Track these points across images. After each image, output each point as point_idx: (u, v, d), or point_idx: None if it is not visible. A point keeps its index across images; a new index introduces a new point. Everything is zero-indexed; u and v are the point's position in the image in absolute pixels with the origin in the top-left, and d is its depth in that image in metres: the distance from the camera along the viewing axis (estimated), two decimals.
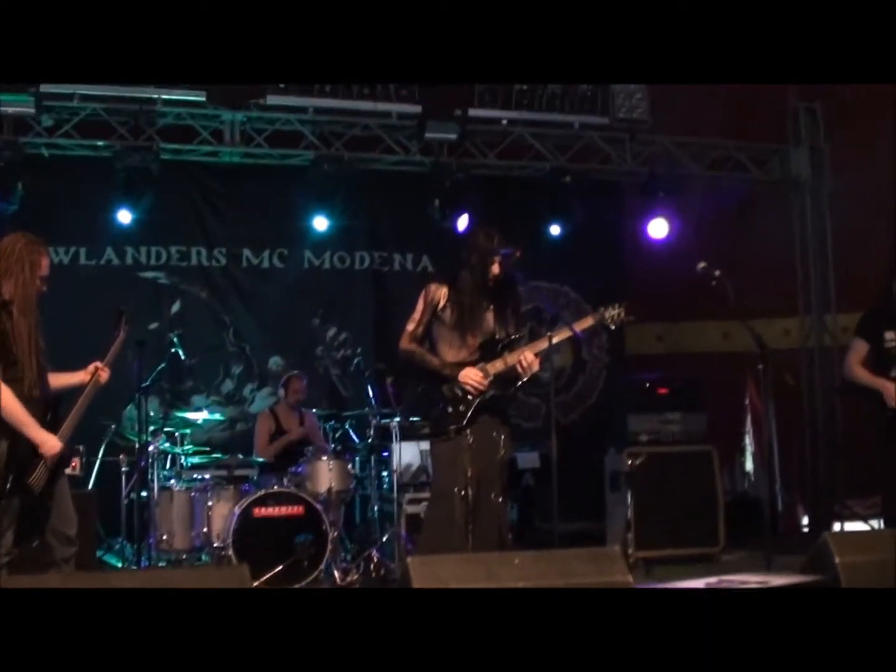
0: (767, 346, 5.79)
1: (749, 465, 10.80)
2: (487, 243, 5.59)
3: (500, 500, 5.54)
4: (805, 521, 10.49)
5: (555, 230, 10.25)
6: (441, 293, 5.65)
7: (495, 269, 5.58)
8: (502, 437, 5.56)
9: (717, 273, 5.83)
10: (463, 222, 9.44)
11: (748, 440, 10.84)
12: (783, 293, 11.03)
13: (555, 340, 5.48)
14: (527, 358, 5.46)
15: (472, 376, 5.47)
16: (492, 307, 5.66)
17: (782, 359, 10.56)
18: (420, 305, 5.68)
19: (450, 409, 5.51)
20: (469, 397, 5.50)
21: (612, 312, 5.65)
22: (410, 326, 5.68)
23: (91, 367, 5.24)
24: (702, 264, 5.91)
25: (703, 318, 11.09)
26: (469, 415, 5.49)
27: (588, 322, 5.68)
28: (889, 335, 6.76)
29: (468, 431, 5.46)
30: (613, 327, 5.75)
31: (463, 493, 5.34)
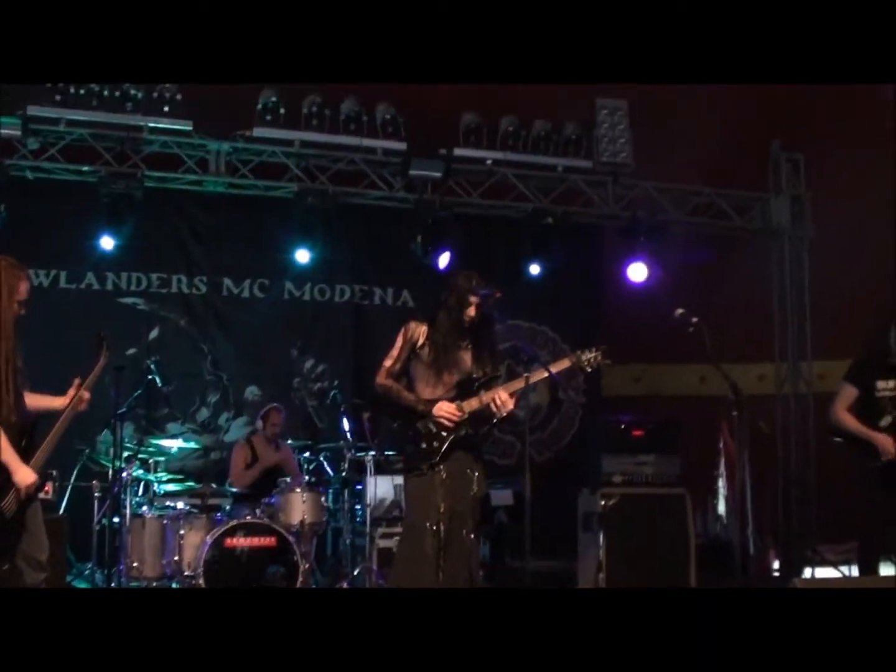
0: (742, 392, 5.82)
1: (722, 509, 10.83)
2: (465, 284, 5.63)
3: (472, 536, 5.54)
4: (776, 565, 10.50)
5: (535, 270, 10.31)
6: (420, 331, 5.68)
7: (471, 311, 5.62)
8: (476, 474, 5.59)
9: (695, 320, 5.87)
10: (444, 260, 9.50)
11: (721, 484, 10.87)
12: (760, 339, 11.11)
13: (531, 381, 5.51)
14: (500, 397, 5.47)
15: (445, 409, 5.49)
16: (469, 347, 5.69)
17: (757, 405, 10.60)
18: (399, 342, 5.71)
19: (424, 445, 5.53)
20: (443, 433, 5.51)
21: (589, 356, 5.67)
22: (388, 362, 5.70)
23: (72, 390, 5.22)
24: (679, 311, 5.95)
25: (681, 361, 11.16)
26: (443, 451, 5.50)
27: (565, 364, 5.70)
28: (881, 384, 6.79)
29: (442, 467, 5.48)
30: (589, 370, 5.77)
31: (434, 528, 5.37)
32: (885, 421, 6.73)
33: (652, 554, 8.31)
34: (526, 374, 5.51)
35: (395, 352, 5.71)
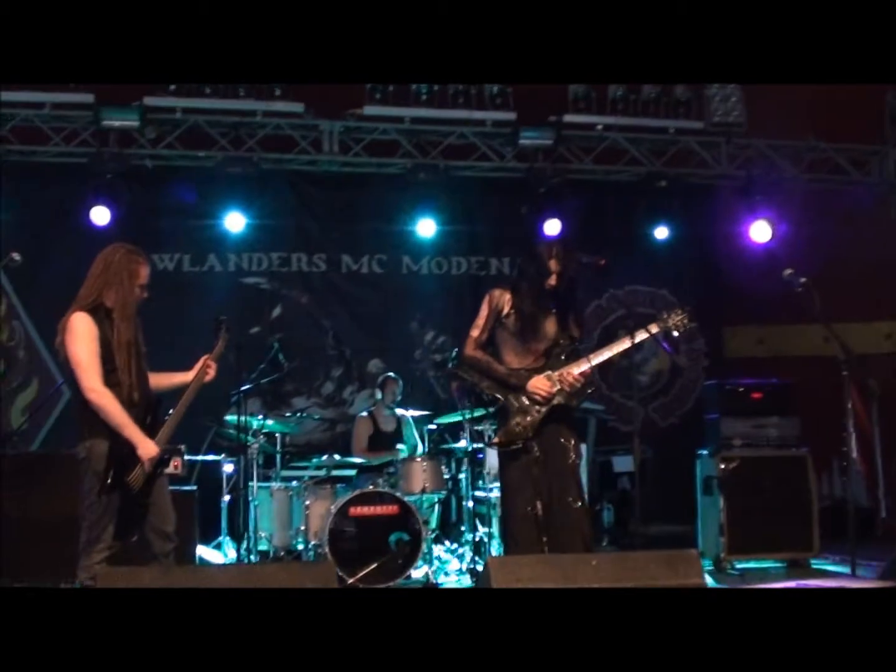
0: (853, 352, 5.75)
1: (851, 471, 10.66)
2: (546, 252, 5.61)
3: (580, 504, 5.48)
4: None
5: (652, 234, 10.28)
6: (505, 299, 5.63)
7: (552, 280, 5.59)
8: (571, 442, 5.55)
9: (803, 280, 5.81)
10: (553, 228, 9.50)
11: (851, 445, 10.68)
12: (884, 296, 10.86)
13: (614, 352, 5.51)
14: (568, 376, 5.47)
15: (539, 385, 5.47)
16: (554, 313, 5.64)
17: (884, 363, 10.42)
18: (484, 311, 5.67)
19: (517, 421, 5.51)
20: (536, 407, 5.49)
21: (676, 319, 5.60)
22: (475, 332, 5.66)
23: (200, 363, 5.44)
24: (788, 271, 5.89)
25: (804, 321, 10.96)
26: (536, 425, 5.48)
27: (653, 329, 5.62)
28: None
29: (535, 443, 5.46)
30: (677, 333, 5.63)
31: (531, 511, 5.36)
32: None
33: (774, 516, 8.22)
34: (630, 335, 5.47)
35: (480, 321, 5.67)
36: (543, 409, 5.50)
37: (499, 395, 5.59)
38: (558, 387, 5.50)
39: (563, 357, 5.59)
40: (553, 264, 5.58)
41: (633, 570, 4.21)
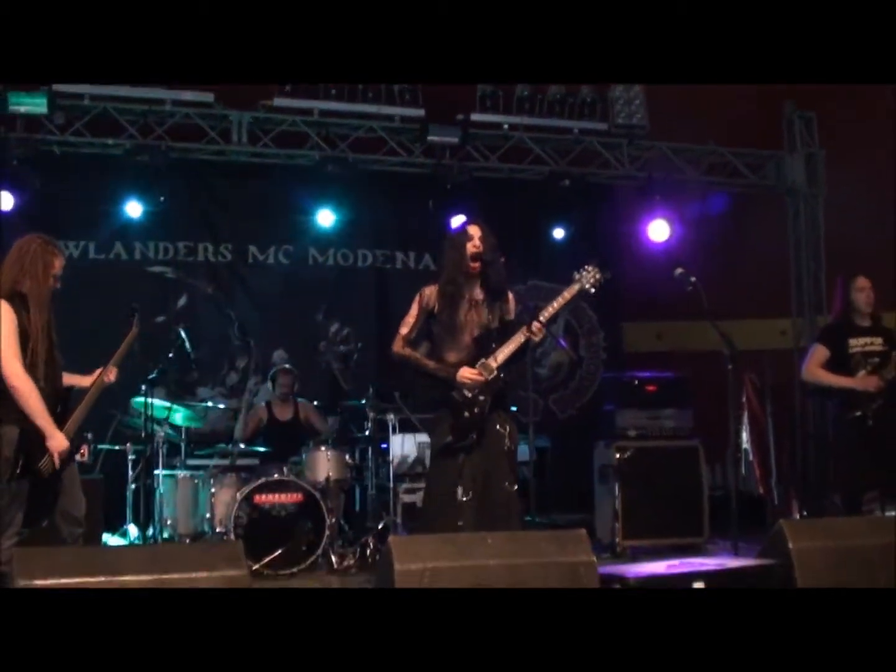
0: (736, 348, 6.01)
1: (744, 462, 11.03)
2: (462, 236, 5.61)
3: (515, 487, 5.51)
4: (798, 516, 10.68)
5: (554, 232, 10.51)
6: (435, 296, 5.61)
7: (475, 263, 5.56)
8: (507, 429, 5.54)
9: (693, 279, 6.04)
10: (458, 222, 9.67)
11: (745, 437, 11.05)
12: (779, 294, 11.23)
13: (556, 308, 5.48)
14: (535, 326, 5.38)
15: (467, 375, 5.41)
16: (483, 300, 5.61)
17: (779, 359, 10.78)
18: (414, 309, 5.66)
19: (466, 414, 5.45)
20: (480, 398, 5.43)
21: (589, 276, 5.60)
22: (404, 330, 5.64)
23: (98, 371, 5.56)
24: (678, 270, 6.11)
25: (701, 318, 11.28)
26: (485, 415, 5.44)
27: (573, 291, 5.60)
28: (853, 342, 7.03)
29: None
30: (593, 290, 5.66)
31: (460, 491, 5.34)
32: (861, 375, 6.96)
33: (666, 504, 8.54)
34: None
35: (409, 319, 5.66)
36: (487, 400, 5.45)
37: (435, 391, 5.57)
38: (494, 374, 5.45)
39: (493, 344, 5.52)
40: (471, 246, 5.57)
41: (524, 548, 4.36)
